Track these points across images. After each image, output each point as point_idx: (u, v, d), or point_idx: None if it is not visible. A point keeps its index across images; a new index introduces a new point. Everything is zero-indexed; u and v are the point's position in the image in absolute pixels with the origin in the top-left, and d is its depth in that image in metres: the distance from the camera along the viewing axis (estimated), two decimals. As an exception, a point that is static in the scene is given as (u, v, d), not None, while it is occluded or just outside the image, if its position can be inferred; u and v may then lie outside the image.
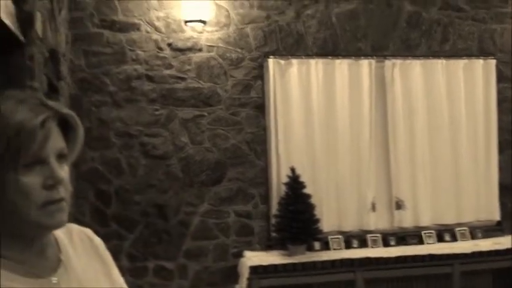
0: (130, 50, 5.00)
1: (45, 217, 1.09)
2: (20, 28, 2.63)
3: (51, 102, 1.13)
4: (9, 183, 1.06)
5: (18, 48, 2.67)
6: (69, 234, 1.29)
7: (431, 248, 5.20)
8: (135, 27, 5.01)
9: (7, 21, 2.30)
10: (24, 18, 2.67)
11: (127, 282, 3.75)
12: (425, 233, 5.34)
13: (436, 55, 5.45)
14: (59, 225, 1.14)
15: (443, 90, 5.41)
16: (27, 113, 1.07)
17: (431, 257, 5.04)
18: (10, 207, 1.07)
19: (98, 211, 4.95)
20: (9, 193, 1.06)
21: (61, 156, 1.13)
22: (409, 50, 5.43)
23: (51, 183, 1.09)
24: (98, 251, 1.35)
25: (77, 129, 1.18)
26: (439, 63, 5.42)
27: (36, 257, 1.15)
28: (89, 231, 1.37)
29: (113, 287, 1.33)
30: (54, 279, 1.15)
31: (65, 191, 1.12)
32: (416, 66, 5.38)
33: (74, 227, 1.33)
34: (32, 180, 1.07)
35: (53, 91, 3.70)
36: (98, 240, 1.37)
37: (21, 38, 2.64)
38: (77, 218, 4.69)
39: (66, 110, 1.16)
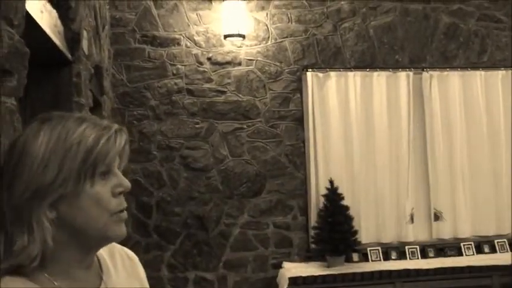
0: (171, 64, 5.59)
1: (112, 225, 1.25)
2: (67, 47, 2.99)
3: (103, 120, 1.30)
4: (84, 194, 1.20)
5: (65, 66, 3.05)
6: (111, 253, 1.44)
7: (470, 259, 5.55)
8: (176, 42, 5.58)
9: (56, 40, 2.62)
10: (72, 37, 3.05)
11: (168, 292, 4.40)
12: (464, 245, 5.74)
13: (474, 66, 5.90)
14: (121, 237, 1.29)
15: (481, 101, 5.84)
16: (96, 127, 1.23)
17: (470, 269, 5.35)
18: (83, 216, 1.21)
19: (139, 222, 5.50)
20: (82, 203, 1.21)
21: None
22: (447, 62, 5.89)
23: (120, 191, 1.26)
24: (137, 272, 1.51)
25: (126, 144, 1.31)
26: (477, 75, 5.87)
27: (83, 273, 1.28)
28: (130, 252, 1.53)
29: None
30: None
31: (125, 202, 1.29)
32: (454, 78, 5.84)
33: (117, 246, 1.47)
34: (104, 189, 1.23)
35: (96, 106, 4.11)
36: (138, 261, 1.53)
37: (69, 56, 3.00)
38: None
39: (118, 125, 1.30)
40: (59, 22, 2.79)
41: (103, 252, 1.39)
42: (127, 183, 1.28)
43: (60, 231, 1.21)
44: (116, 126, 1.27)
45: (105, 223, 1.23)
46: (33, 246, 1.17)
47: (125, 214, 1.28)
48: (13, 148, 1.24)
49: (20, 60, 1.83)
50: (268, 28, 5.70)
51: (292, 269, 5.43)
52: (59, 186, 1.18)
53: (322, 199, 5.49)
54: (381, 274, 5.32)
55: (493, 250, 5.81)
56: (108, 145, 1.22)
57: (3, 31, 1.67)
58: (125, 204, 1.28)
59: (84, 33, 3.41)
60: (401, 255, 5.71)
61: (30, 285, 1.18)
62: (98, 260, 1.37)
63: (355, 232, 5.41)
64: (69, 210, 1.21)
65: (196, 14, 5.63)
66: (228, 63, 5.65)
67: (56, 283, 1.21)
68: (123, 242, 1.36)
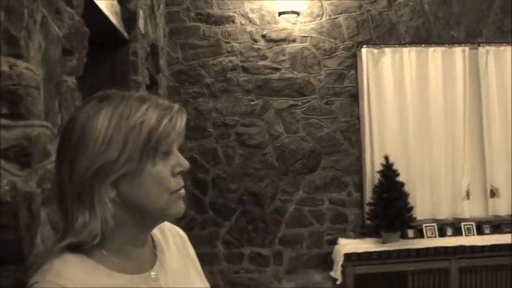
0: (226, 42, 5.78)
1: (173, 203, 1.29)
2: (124, 26, 3.16)
3: (164, 100, 1.32)
4: (146, 173, 1.23)
5: (122, 45, 3.24)
6: (163, 232, 1.48)
7: None
8: (230, 19, 5.76)
9: (113, 19, 2.77)
10: (128, 17, 3.23)
11: (223, 268, 4.72)
12: None
13: None
14: (180, 213, 1.32)
15: None
16: (156, 108, 1.25)
17: None
18: (144, 195, 1.25)
19: (195, 199, 5.73)
20: (143, 182, 1.24)
21: None
22: (503, 36, 5.94)
23: (180, 170, 1.29)
24: (187, 249, 1.55)
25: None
26: None
27: (139, 250, 1.34)
28: (180, 230, 1.57)
29: (205, 286, 1.53)
30: (152, 273, 1.33)
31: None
32: (510, 53, 5.90)
33: (167, 224, 1.50)
34: (164, 168, 1.26)
35: (152, 84, 4.30)
36: (187, 239, 1.57)
37: (126, 35, 3.18)
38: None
39: (179, 106, 1.32)
40: (115, 2, 2.95)
41: (155, 231, 1.42)
42: (186, 163, 1.31)
43: (121, 209, 1.25)
44: (177, 106, 1.29)
45: (165, 201, 1.27)
46: (95, 224, 1.21)
47: (183, 192, 1.31)
48: (74, 125, 1.25)
49: (80, 40, 1.98)
50: (322, 4, 5.83)
51: (347, 245, 5.61)
52: (121, 164, 1.21)
53: (377, 175, 5.63)
54: (436, 250, 5.47)
55: (550, 226, 5.84)
56: (170, 126, 1.24)
57: (64, 12, 1.79)
58: (182, 183, 1.31)
59: (140, 12, 3.57)
60: (457, 232, 5.83)
61: (89, 263, 1.23)
62: (152, 238, 1.42)
63: (411, 208, 5.53)
64: (131, 189, 1.24)
65: (251, -8, 5.78)
66: (283, 40, 5.82)
67: (115, 260, 1.26)
68: (180, 219, 1.42)
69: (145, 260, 1.35)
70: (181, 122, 1.28)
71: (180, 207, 1.31)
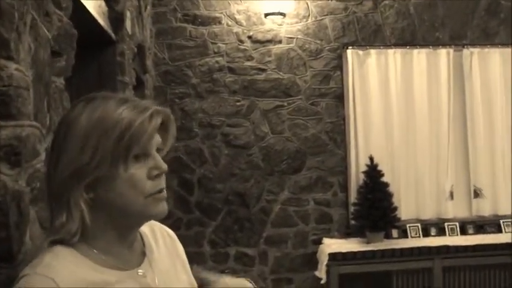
0: (212, 43, 5.80)
1: (150, 206, 1.29)
2: (111, 27, 3.19)
3: (147, 101, 1.33)
4: (118, 176, 1.24)
5: (110, 46, 3.26)
6: (153, 231, 1.50)
7: (510, 236, 5.68)
8: (217, 20, 5.78)
9: (101, 21, 2.81)
10: (116, 18, 3.25)
11: (209, 267, 4.74)
12: (504, 222, 5.89)
13: None
14: (162, 214, 1.32)
15: None
16: (133, 110, 1.26)
17: (510, 246, 5.49)
18: (118, 198, 1.26)
19: (181, 199, 5.76)
20: (117, 186, 1.25)
21: (158, 150, 1.33)
22: (487, 39, 6.02)
23: (157, 173, 1.29)
24: (177, 248, 1.57)
25: (171, 125, 1.37)
26: None
27: (126, 249, 1.35)
28: (169, 230, 1.59)
29: (193, 286, 1.54)
30: (140, 271, 1.34)
31: (164, 181, 1.32)
32: (495, 55, 5.97)
33: (157, 224, 1.53)
34: (139, 171, 1.26)
35: (139, 84, 4.31)
36: (177, 239, 1.59)
37: (113, 36, 3.20)
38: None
39: (162, 108, 1.33)
40: (103, 3, 2.98)
41: (145, 229, 1.45)
42: (163, 165, 1.30)
43: (98, 212, 1.27)
44: (153, 108, 1.28)
45: (142, 205, 1.27)
46: (72, 224, 1.23)
47: (162, 194, 1.31)
48: (59, 127, 1.31)
49: (69, 42, 2.01)
50: (308, 6, 5.87)
51: (332, 245, 5.64)
52: (94, 168, 1.22)
53: (362, 176, 5.69)
54: (420, 250, 5.52)
55: (533, 227, 5.92)
56: (142, 128, 1.24)
57: (53, 14, 1.83)
58: (161, 186, 1.30)
59: (128, 13, 3.60)
60: (441, 232, 5.89)
61: (79, 257, 1.25)
62: (141, 236, 1.44)
63: (395, 208, 5.60)
64: (106, 193, 1.25)
65: (237, -7, 5.81)
66: (269, 41, 5.87)
67: (103, 257, 1.29)
68: (166, 219, 1.43)
69: (134, 258, 1.37)
70: (155, 123, 1.28)
71: (160, 209, 1.31)
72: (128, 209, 1.27)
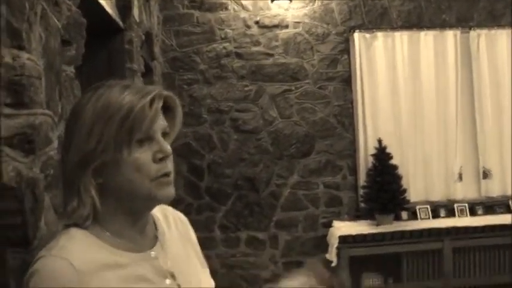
0: (219, 28, 5.82)
1: (157, 189, 1.31)
2: (119, 15, 3.21)
3: (151, 86, 1.36)
4: (123, 161, 1.28)
5: (118, 34, 3.30)
6: (165, 216, 1.53)
7: None
8: (223, 6, 5.79)
9: (109, 9, 2.82)
10: (123, 5, 3.28)
11: (220, 252, 4.81)
12: None
13: None
14: (168, 198, 1.35)
15: None
16: (135, 95, 1.29)
17: None
18: (125, 183, 1.29)
19: (191, 185, 5.81)
20: (123, 170, 1.28)
21: (164, 135, 1.35)
22: (494, 20, 6.01)
23: (161, 157, 1.31)
24: (189, 233, 1.59)
25: (177, 109, 1.40)
26: None
27: (138, 233, 1.38)
28: (182, 215, 1.62)
29: (204, 269, 1.57)
30: (152, 253, 1.38)
31: (171, 165, 1.35)
32: (502, 36, 5.97)
33: (169, 209, 1.56)
34: (144, 155, 1.29)
35: (147, 71, 4.34)
36: (189, 224, 1.62)
37: (121, 24, 3.23)
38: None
39: (167, 92, 1.36)
40: None
41: (158, 214, 1.49)
42: (167, 148, 1.32)
43: (108, 196, 1.31)
44: (155, 92, 1.31)
45: (147, 188, 1.30)
46: (83, 209, 1.28)
47: (168, 178, 1.33)
48: (70, 116, 1.37)
49: (78, 31, 2.04)
50: (314, -10, 5.86)
51: (342, 227, 5.69)
52: (100, 153, 1.26)
53: (370, 159, 5.72)
54: (430, 232, 5.55)
55: (542, 207, 5.93)
56: (142, 113, 1.27)
57: (62, 3, 1.86)
58: (167, 169, 1.33)
59: (135, 1, 3.62)
60: (450, 213, 5.93)
61: (93, 240, 1.29)
62: (154, 221, 1.47)
63: (404, 191, 5.62)
64: (113, 177, 1.29)
65: (243, -22, 5.82)
66: (276, 26, 5.88)
67: (116, 239, 1.33)
68: (176, 204, 1.46)
69: (146, 241, 1.40)
70: (156, 107, 1.31)
71: (166, 193, 1.34)
72: (134, 192, 1.30)
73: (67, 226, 1.31)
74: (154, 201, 1.36)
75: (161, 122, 1.34)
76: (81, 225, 1.29)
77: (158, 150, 1.31)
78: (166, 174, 1.32)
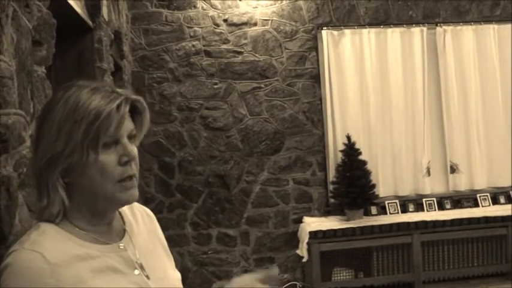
0: (188, 27, 5.86)
1: (119, 192, 1.35)
2: (88, 14, 3.25)
3: (120, 90, 1.38)
4: (89, 164, 1.31)
5: (87, 33, 3.32)
6: (131, 209, 1.58)
7: (487, 210, 5.89)
8: (192, 4, 5.83)
9: (78, 9, 2.86)
10: (92, 5, 3.31)
11: (192, 249, 4.84)
12: (480, 196, 6.07)
13: (487, 20, 6.16)
14: (131, 201, 1.41)
15: (495, 54, 6.12)
16: (103, 99, 1.31)
17: (487, 219, 5.67)
18: (89, 184, 1.33)
19: (162, 182, 5.84)
20: (88, 172, 1.31)
21: (131, 137, 1.38)
22: (460, 16, 6.14)
23: (126, 160, 1.34)
24: (155, 227, 1.65)
25: (144, 112, 1.43)
26: (491, 28, 6.13)
27: (105, 228, 1.42)
28: (147, 209, 1.67)
29: (170, 261, 1.62)
30: (121, 245, 1.43)
31: (135, 168, 1.38)
32: (467, 32, 6.11)
33: (136, 204, 1.60)
34: (109, 158, 1.33)
35: (117, 70, 4.39)
36: (155, 218, 1.67)
37: (90, 23, 3.26)
38: (143, 190, 5.57)
39: (134, 96, 1.39)
40: None
41: (124, 208, 1.52)
42: (131, 152, 1.35)
43: (75, 195, 1.35)
44: (122, 97, 1.35)
45: (111, 190, 1.33)
46: (52, 207, 1.32)
47: (131, 182, 1.37)
48: (40, 115, 1.39)
49: (49, 31, 2.07)
50: (282, -12, 5.92)
51: (312, 223, 5.77)
52: (67, 156, 1.29)
53: (340, 154, 5.81)
54: (399, 226, 5.64)
55: (508, 201, 6.13)
56: (108, 118, 1.30)
57: (33, 5, 1.89)
58: (130, 172, 1.36)
59: (104, 0, 3.65)
60: (419, 208, 6.05)
61: (63, 234, 1.33)
62: (120, 213, 1.51)
63: (373, 186, 5.73)
64: (79, 178, 1.33)
65: (211, -24, 5.86)
66: (244, 24, 5.94)
67: (85, 233, 1.37)
68: (148, 202, 1.51)
69: (114, 234, 1.44)
70: (122, 113, 1.33)
71: (127, 196, 1.37)
72: (98, 193, 1.34)
73: (38, 221, 1.36)
74: (117, 203, 1.40)
75: (128, 125, 1.37)
76: (52, 221, 1.33)
77: (123, 154, 1.34)
78: (130, 177, 1.36)
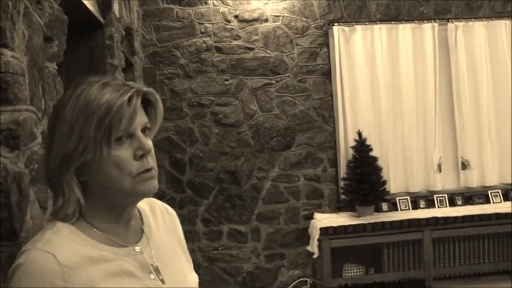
0: (199, 23, 5.86)
1: (139, 185, 1.33)
2: (100, 11, 3.24)
3: (131, 83, 1.35)
4: (104, 159, 1.29)
5: (98, 29, 3.33)
6: (152, 208, 1.55)
7: (498, 206, 5.84)
8: (203, 1, 5.82)
9: (89, 5, 2.87)
10: (103, 1, 3.30)
11: (202, 245, 4.84)
12: (491, 192, 6.04)
13: (499, 16, 6.10)
14: (151, 192, 1.37)
15: (506, 50, 6.06)
16: (114, 93, 1.29)
17: (498, 216, 5.62)
18: (107, 180, 1.31)
19: (173, 178, 5.85)
20: (105, 168, 1.29)
21: (145, 130, 1.36)
22: (471, 12, 6.10)
23: (141, 154, 1.32)
24: (175, 226, 1.62)
25: (157, 104, 1.41)
26: (502, 24, 6.08)
27: (123, 228, 1.40)
28: (169, 208, 1.64)
29: (188, 261, 1.60)
30: (137, 248, 1.39)
31: (152, 161, 1.36)
32: (479, 28, 6.06)
33: (158, 202, 1.59)
34: (124, 152, 1.31)
35: (128, 66, 4.42)
36: (176, 217, 1.64)
37: (102, 20, 3.26)
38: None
39: (146, 88, 1.37)
40: None
41: (145, 207, 1.51)
42: (146, 146, 1.33)
43: (92, 193, 1.34)
44: (133, 89, 1.32)
45: (129, 184, 1.31)
46: (67, 207, 1.31)
47: (149, 173, 1.34)
48: (52, 114, 1.38)
49: (60, 27, 2.07)
50: (293, -16, 5.90)
51: (323, 219, 5.74)
52: (80, 153, 1.28)
53: (351, 151, 5.78)
54: (410, 223, 5.61)
55: (520, 197, 6.03)
56: (120, 112, 1.28)
57: (44, 1, 1.89)
58: (148, 165, 1.34)
59: (115, -4, 3.61)
60: (430, 204, 6.02)
61: (78, 234, 1.32)
62: (140, 213, 1.49)
63: (384, 182, 5.69)
64: (95, 175, 1.31)
65: (223, -28, 5.85)
66: (255, 20, 5.92)
67: (101, 234, 1.35)
68: (158, 199, 1.51)
69: (131, 235, 1.42)
70: (134, 105, 1.31)
71: (148, 186, 1.35)
72: (117, 189, 1.32)
73: (53, 219, 1.34)
74: (137, 196, 1.38)
75: (141, 118, 1.35)
76: (67, 221, 1.32)
77: (138, 147, 1.32)
78: (147, 170, 1.34)
